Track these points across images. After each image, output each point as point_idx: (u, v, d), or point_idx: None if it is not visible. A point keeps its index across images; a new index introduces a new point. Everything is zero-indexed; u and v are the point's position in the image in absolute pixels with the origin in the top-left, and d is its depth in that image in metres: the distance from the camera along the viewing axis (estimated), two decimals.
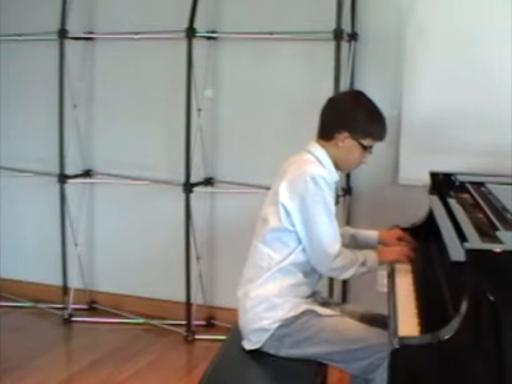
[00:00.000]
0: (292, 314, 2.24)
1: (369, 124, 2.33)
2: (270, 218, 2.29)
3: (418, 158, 3.26)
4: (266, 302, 2.25)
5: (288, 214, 2.26)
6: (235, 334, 2.34)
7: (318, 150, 2.33)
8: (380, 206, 3.43)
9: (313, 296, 2.38)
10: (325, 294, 3.13)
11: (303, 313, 2.24)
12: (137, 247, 3.97)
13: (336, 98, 2.49)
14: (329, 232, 2.25)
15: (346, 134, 2.31)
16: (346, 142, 2.32)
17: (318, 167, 2.28)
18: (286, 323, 2.23)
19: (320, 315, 2.25)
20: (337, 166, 2.36)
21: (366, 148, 2.34)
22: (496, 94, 3.09)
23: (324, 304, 2.40)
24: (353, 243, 2.54)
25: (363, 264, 2.29)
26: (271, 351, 2.25)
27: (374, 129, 2.35)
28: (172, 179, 3.69)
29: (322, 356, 2.23)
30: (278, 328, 2.23)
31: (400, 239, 2.53)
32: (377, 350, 2.10)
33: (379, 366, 2.09)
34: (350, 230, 2.61)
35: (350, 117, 2.33)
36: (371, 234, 2.57)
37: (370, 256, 2.33)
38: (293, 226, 2.26)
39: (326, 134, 2.35)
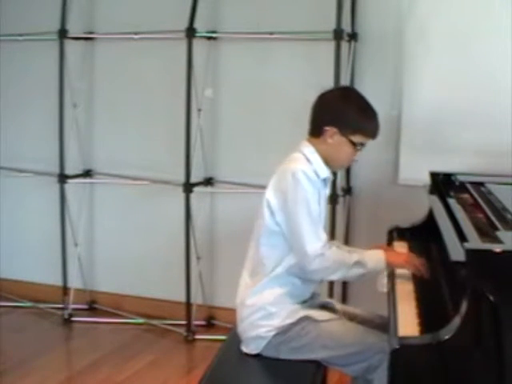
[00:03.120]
0: (288, 321, 2.22)
1: (358, 119, 2.24)
2: (259, 220, 2.26)
3: (418, 158, 3.26)
4: (262, 310, 2.23)
5: (272, 212, 2.21)
6: (235, 335, 2.33)
7: (307, 148, 2.27)
8: (380, 205, 3.43)
9: (312, 299, 2.35)
10: (325, 294, 3.14)
11: (299, 320, 2.22)
12: (137, 247, 3.97)
13: (326, 94, 2.34)
14: (308, 231, 2.16)
15: (334, 130, 2.23)
16: (334, 139, 2.24)
17: (301, 164, 2.21)
18: (283, 331, 2.21)
19: (316, 321, 2.22)
20: (327, 164, 2.28)
21: (355, 145, 2.25)
22: (496, 94, 3.09)
23: (323, 306, 2.39)
24: None
25: (359, 265, 2.18)
26: (270, 356, 2.24)
27: (365, 124, 2.25)
28: (172, 179, 3.69)
29: (321, 360, 2.23)
30: (275, 336, 2.22)
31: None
32: (375, 352, 2.09)
33: (378, 367, 2.08)
34: (346, 248, 2.48)
35: (339, 112, 2.25)
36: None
37: (374, 256, 2.23)
38: (277, 225, 2.21)
39: (315, 130, 2.28)
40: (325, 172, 2.28)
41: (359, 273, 2.20)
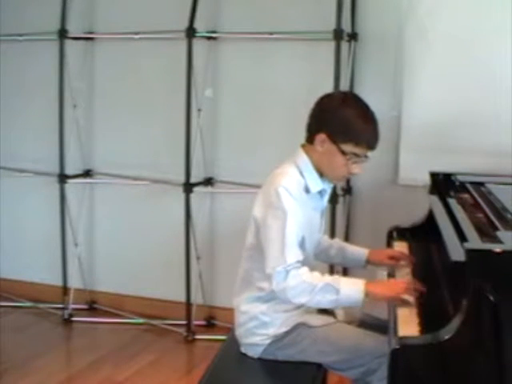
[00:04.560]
0: (283, 329, 2.20)
1: (352, 126, 2.06)
2: (248, 233, 2.20)
3: (418, 158, 3.26)
4: (256, 319, 2.21)
5: (258, 228, 2.13)
6: (235, 335, 2.33)
7: (301, 158, 2.15)
8: (380, 206, 3.43)
9: None
10: None
11: (295, 327, 2.20)
12: (137, 247, 3.97)
13: (324, 98, 2.19)
14: (274, 250, 2.04)
15: (323, 136, 2.09)
16: (325, 146, 2.10)
17: (288, 179, 2.09)
18: (278, 339, 2.20)
19: (312, 327, 2.19)
20: (322, 174, 2.17)
21: (347, 155, 2.08)
22: (496, 94, 3.09)
23: (320, 310, 2.33)
24: (340, 257, 2.44)
25: (330, 287, 2.01)
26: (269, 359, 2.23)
27: (358, 132, 2.07)
28: (172, 179, 3.69)
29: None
30: (270, 344, 2.21)
31: (392, 258, 2.37)
32: (373, 356, 2.07)
33: (377, 370, 2.07)
34: (340, 243, 2.48)
35: (331, 116, 2.09)
36: (360, 252, 2.41)
37: (353, 286, 2.03)
38: (257, 238, 2.15)
39: (308, 136, 2.16)
40: (318, 186, 2.18)
41: (330, 298, 2.02)
